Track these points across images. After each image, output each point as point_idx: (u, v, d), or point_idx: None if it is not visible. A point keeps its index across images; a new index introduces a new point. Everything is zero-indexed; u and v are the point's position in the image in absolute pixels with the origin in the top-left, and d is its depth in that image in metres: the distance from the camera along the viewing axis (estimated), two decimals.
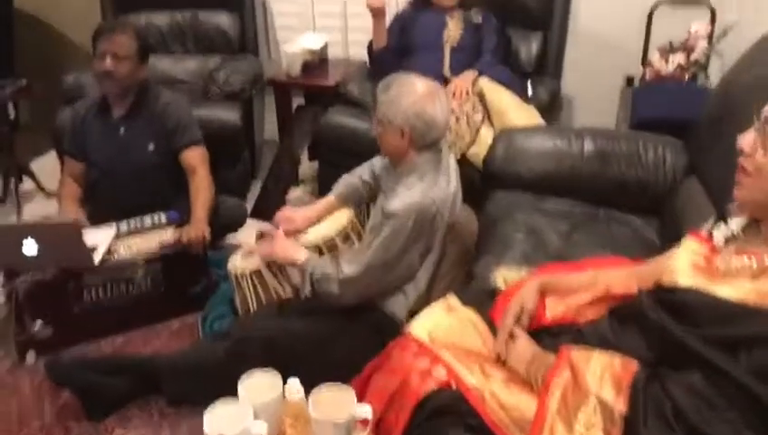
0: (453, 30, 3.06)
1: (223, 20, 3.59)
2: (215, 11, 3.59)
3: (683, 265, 1.29)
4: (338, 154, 3.08)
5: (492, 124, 2.73)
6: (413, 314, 1.93)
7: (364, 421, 1.43)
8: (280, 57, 3.79)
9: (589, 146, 2.29)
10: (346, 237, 2.19)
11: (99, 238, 2.39)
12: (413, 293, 1.98)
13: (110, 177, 2.57)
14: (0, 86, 3.18)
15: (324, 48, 3.61)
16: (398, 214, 1.82)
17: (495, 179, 2.36)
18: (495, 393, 1.34)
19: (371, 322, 1.97)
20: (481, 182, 2.45)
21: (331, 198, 2.26)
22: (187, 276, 2.46)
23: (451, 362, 1.39)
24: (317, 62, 3.53)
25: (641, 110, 2.64)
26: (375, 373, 1.54)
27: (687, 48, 3.03)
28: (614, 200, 2.24)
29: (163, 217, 2.52)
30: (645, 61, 3.21)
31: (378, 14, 3.02)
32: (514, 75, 2.97)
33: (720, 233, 1.30)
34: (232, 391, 1.57)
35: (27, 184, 3.50)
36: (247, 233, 2.83)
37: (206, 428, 1.48)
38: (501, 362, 1.42)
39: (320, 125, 3.12)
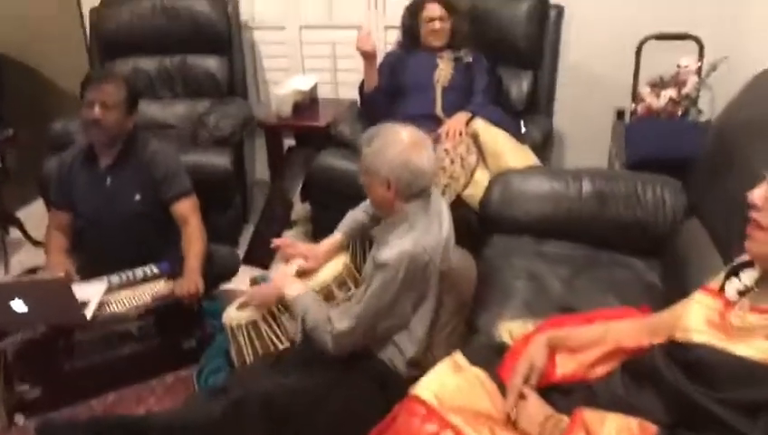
0: (444, 70, 3.07)
1: (211, 64, 3.58)
2: (203, 55, 3.59)
3: (696, 321, 1.26)
4: (330, 196, 3.06)
5: (487, 166, 2.71)
6: (413, 363, 1.92)
7: None
8: (269, 99, 3.79)
9: (587, 187, 2.27)
10: (342, 283, 2.16)
11: (90, 293, 2.34)
12: (408, 342, 1.94)
13: (98, 227, 2.52)
14: None
15: (314, 88, 3.60)
16: (389, 264, 1.80)
17: (493, 223, 2.33)
18: None
19: (369, 371, 1.93)
20: (478, 226, 2.42)
21: (338, 235, 2.22)
22: (181, 330, 2.40)
23: (460, 427, 1.34)
24: (307, 103, 3.52)
25: (635, 147, 2.63)
26: None
27: (678, 83, 3.04)
28: (614, 242, 2.21)
29: (155, 269, 2.47)
30: (635, 95, 3.22)
31: (368, 56, 3.01)
32: (507, 115, 2.96)
33: (732, 287, 1.27)
34: None
35: (14, 233, 3.44)
36: (241, 280, 2.78)
37: None
38: (511, 423, 1.38)
39: (312, 167, 3.09)
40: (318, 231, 3.27)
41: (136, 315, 2.31)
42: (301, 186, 3.34)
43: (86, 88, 2.41)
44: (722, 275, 1.34)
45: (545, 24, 3.22)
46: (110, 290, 2.38)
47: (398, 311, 1.87)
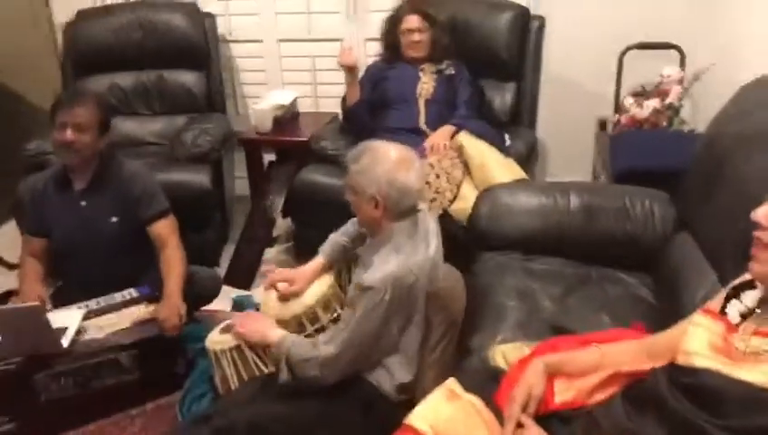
0: (426, 83, 3.04)
1: (188, 79, 3.52)
2: (180, 70, 3.53)
3: (698, 344, 1.23)
4: (313, 212, 3.01)
5: (472, 179, 2.68)
6: (403, 388, 1.87)
7: None
8: (248, 113, 3.73)
9: (575, 201, 2.24)
10: (327, 305, 2.10)
11: (67, 320, 2.26)
12: (399, 365, 1.88)
13: (74, 252, 2.44)
14: None
15: (294, 103, 3.55)
16: (374, 287, 1.75)
17: (481, 240, 2.29)
18: None
19: (359, 396, 1.86)
20: (465, 241, 2.38)
21: (320, 259, 2.17)
22: (163, 356, 2.32)
23: None
24: (288, 118, 3.47)
25: (622, 159, 2.62)
26: None
27: (661, 92, 3.04)
28: (604, 257, 2.18)
29: (134, 293, 2.41)
30: (618, 105, 3.22)
31: (350, 70, 2.98)
32: (491, 128, 2.93)
33: (734, 309, 1.24)
34: None
35: None
36: (222, 301, 2.71)
37: None
38: None
39: (294, 183, 3.04)
40: (300, 247, 3.22)
41: (116, 343, 2.23)
42: (282, 202, 3.28)
43: (56, 111, 2.34)
44: (722, 295, 1.30)
45: (527, 34, 3.21)
46: (88, 316, 2.31)
47: (386, 335, 1.81)
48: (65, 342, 2.17)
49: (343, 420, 1.82)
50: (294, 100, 3.54)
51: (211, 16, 3.59)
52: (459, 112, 2.96)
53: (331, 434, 1.79)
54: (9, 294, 2.93)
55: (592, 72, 3.42)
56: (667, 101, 2.99)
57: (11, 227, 3.38)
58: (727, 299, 1.27)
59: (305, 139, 3.26)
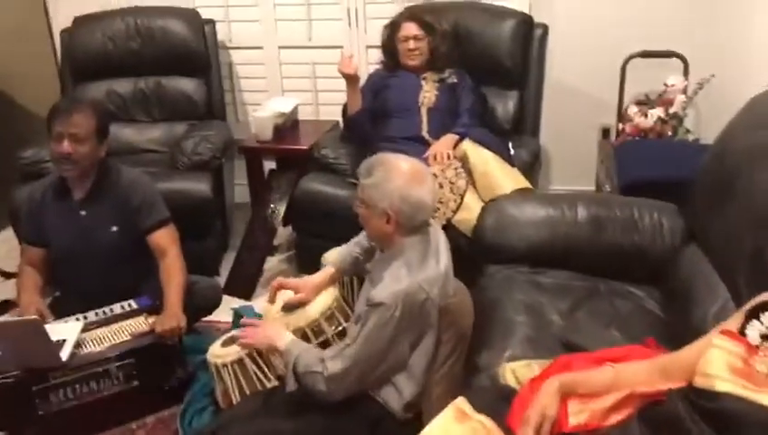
0: (428, 91, 3.01)
1: (188, 85, 3.50)
2: (179, 76, 3.50)
3: (718, 367, 1.19)
4: (314, 221, 2.98)
5: (476, 188, 2.65)
6: (410, 405, 1.83)
7: None
8: (248, 120, 3.69)
9: (582, 213, 2.22)
10: (331, 318, 2.07)
11: (65, 332, 2.22)
12: (406, 382, 1.85)
13: (73, 262, 2.41)
14: None
15: (295, 110, 3.51)
16: (384, 303, 1.71)
17: (487, 252, 2.26)
18: None
19: (365, 413, 1.83)
20: (470, 252, 2.35)
21: (330, 269, 2.13)
22: (162, 369, 2.29)
23: None
24: (288, 125, 3.43)
25: (628, 169, 2.59)
26: None
27: (665, 101, 3.03)
28: (611, 270, 2.15)
29: (133, 304, 2.38)
30: (621, 114, 3.20)
31: (351, 79, 2.95)
32: (495, 136, 2.90)
33: (755, 330, 1.21)
34: None
35: None
36: (222, 311, 2.68)
37: None
38: None
39: (295, 192, 3.01)
40: (302, 256, 3.19)
41: (114, 355, 2.20)
42: (284, 210, 3.25)
43: (53, 120, 2.28)
44: (740, 316, 1.27)
45: (530, 42, 3.18)
46: (86, 328, 2.27)
47: (394, 352, 1.78)
48: (64, 355, 2.14)
49: (350, 433, 1.79)
50: (295, 107, 3.50)
51: (211, 23, 3.56)
52: (462, 121, 2.94)
53: None
54: (7, 304, 2.91)
55: (595, 81, 3.40)
56: (672, 110, 2.98)
57: (7, 235, 3.34)
58: (747, 320, 1.24)
59: (306, 147, 3.23)
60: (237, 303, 2.92)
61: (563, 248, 2.20)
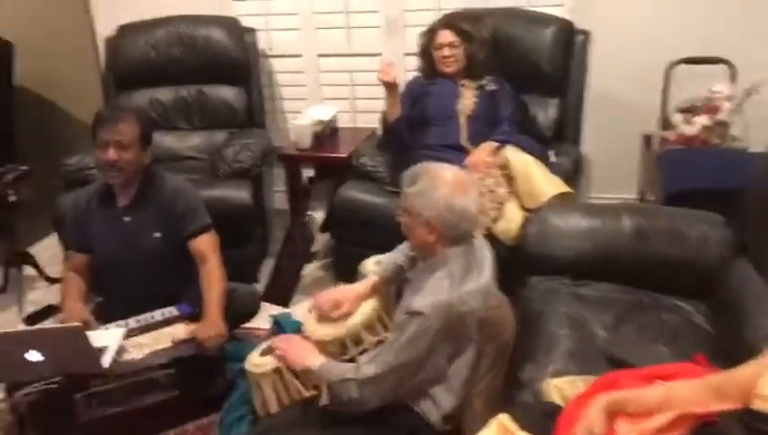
0: (467, 99, 2.98)
1: (228, 93, 3.53)
2: (220, 85, 3.53)
3: None
4: (353, 229, 2.98)
5: (518, 195, 2.62)
6: (449, 417, 1.81)
7: None
8: (287, 128, 3.71)
9: (627, 223, 2.17)
10: (370, 327, 2.05)
11: (107, 339, 2.24)
12: (445, 394, 1.83)
13: (117, 268, 2.44)
14: (2, 173, 3.06)
15: (334, 118, 3.52)
16: (423, 313, 1.69)
17: (529, 263, 2.23)
18: None
19: (403, 424, 1.81)
20: (513, 266, 2.32)
21: (374, 278, 2.11)
22: (203, 376, 2.30)
23: None
24: (327, 133, 3.44)
25: (673, 179, 2.53)
26: None
27: (710, 108, 2.95)
28: (656, 283, 2.10)
29: (175, 311, 2.39)
30: (665, 121, 3.13)
31: (390, 87, 2.94)
32: (536, 143, 2.87)
33: None
34: None
35: (28, 269, 3.36)
36: (261, 318, 2.69)
37: None
38: None
39: (334, 200, 3.01)
40: (339, 264, 3.19)
41: (156, 363, 2.22)
42: (322, 218, 3.26)
43: (98, 128, 2.32)
44: None
45: (571, 49, 3.14)
46: (128, 335, 2.29)
47: (431, 363, 1.76)
48: (106, 362, 2.15)
49: None
50: (334, 115, 3.51)
51: (252, 31, 3.58)
52: (502, 129, 2.90)
53: None
54: (51, 309, 2.96)
55: (637, 87, 3.33)
56: (718, 117, 2.90)
57: (51, 241, 3.41)
58: None
59: (344, 155, 3.23)
60: (276, 310, 2.93)
61: (607, 260, 2.16)
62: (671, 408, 1.33)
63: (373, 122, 3.40)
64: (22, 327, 2.86)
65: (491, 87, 3.01)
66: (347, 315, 2.03)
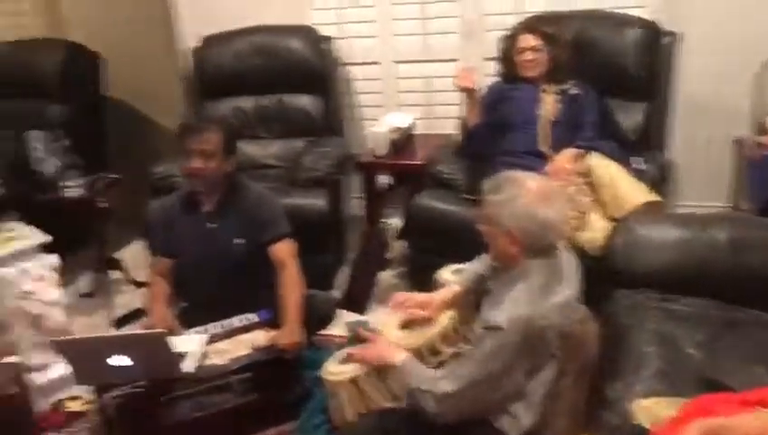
0: (549, 104, 2.91)
1: (306, 102, 3.57)
2: (299, 93, 3.58)
3: None
4: (428, 237, 2.94)
5: (602, 203, 2.55)
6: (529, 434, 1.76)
7: None
8: (364, 136, 3.72)
9: (721, 235, 2.06)
10: (447, 339, 2.03)
11: (189, 345, 2.30)
12: (524, 411, 1.77)
13: (199, 273, 2.51)
14: (93, 181, 3.19)
15: (411, 125, 3.51)
16: (502, 328, 1.64)
17: (615, 275, 2.14)
18: None
19: None
20: (594, 275, 2.24)
21: (455, 287, 2.09)
22: (281, 383, 2.33)
23: None
24: (404, 140, 3.43)
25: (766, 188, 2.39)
26: None
27: None
28: (753, 298, 1.98)
29: (255, 318, 2.43)
30: (758, 125, 2.97)
31: (469, 93, 2.90)
32: (621, 149, 2.77)
33: None
34: None
35: (115, 274, 3.49)
36: (337, 325, 2.70)
37: None
38: None
39: (410, 208, 3.00)
40: (414, 272, 3.17)
41: (237, 368, 2.25)
42: (398, 225, 3.25)
43: (184, 138, 2.41)
44: None
45: (657, 51, 3.01)
46: (210, 341, 2.34)
47: (510, 379, 1.71)
48: (191, 367, 2.21)
49: None
50: (412, 122, 3.50)
51: (329, 39, 3.61)
52: (585, 134, 2.81)
53: None
54: (139, 312, 3.07)
55: (728, 90, 3.18)
56: None
57: (137, 246, 3.52)
58: None
59: (421, 162, 3.21)
60: (351, 317, 2.94)
61: (698, 273, 2.05)
62: None
63: (449, 129, 3.37)
64: (112, 330, 2.98)
65: (573, 91, 2.92)
66: (428, 321, 2.01)
